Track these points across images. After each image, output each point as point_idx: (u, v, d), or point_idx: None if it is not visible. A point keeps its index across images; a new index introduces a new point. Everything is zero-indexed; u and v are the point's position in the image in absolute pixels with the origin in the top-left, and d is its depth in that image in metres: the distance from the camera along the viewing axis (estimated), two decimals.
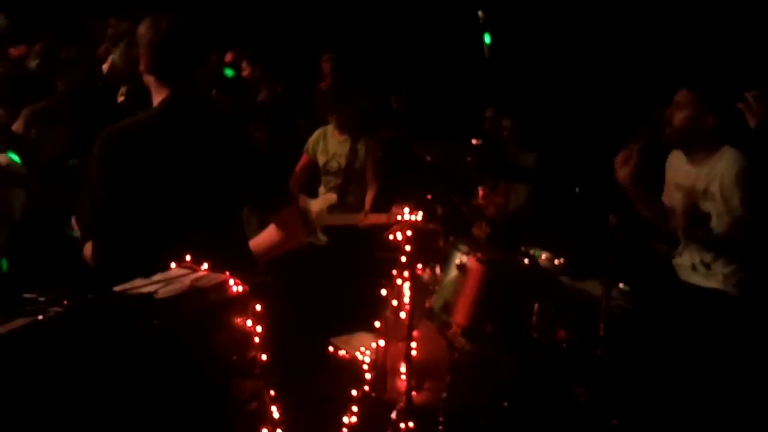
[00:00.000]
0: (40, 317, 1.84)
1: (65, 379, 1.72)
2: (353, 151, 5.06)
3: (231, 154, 2.69)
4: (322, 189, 5.22)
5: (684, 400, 3.28)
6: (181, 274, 2.19)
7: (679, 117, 3.54)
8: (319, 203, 5.14)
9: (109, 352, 1.79)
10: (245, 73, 6.63)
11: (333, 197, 5.10)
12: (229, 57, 6.67)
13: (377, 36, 6.92)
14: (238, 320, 2.15)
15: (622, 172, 3.56)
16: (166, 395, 1.87)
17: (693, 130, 3.53)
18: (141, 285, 2.06)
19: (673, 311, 3.45)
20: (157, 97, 2.65)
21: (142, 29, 2.63)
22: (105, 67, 5.75)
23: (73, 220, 3.45)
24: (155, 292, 2.02)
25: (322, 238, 5.04)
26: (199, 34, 2.70)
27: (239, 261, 2.56)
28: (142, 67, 2.66)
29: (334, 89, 5.25)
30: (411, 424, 3.34)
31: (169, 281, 2.12)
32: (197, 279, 2.17)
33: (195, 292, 2.10)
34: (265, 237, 2.88)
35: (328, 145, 5.15)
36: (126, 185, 2.54)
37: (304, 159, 5.28)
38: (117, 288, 2.01)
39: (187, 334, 1.97)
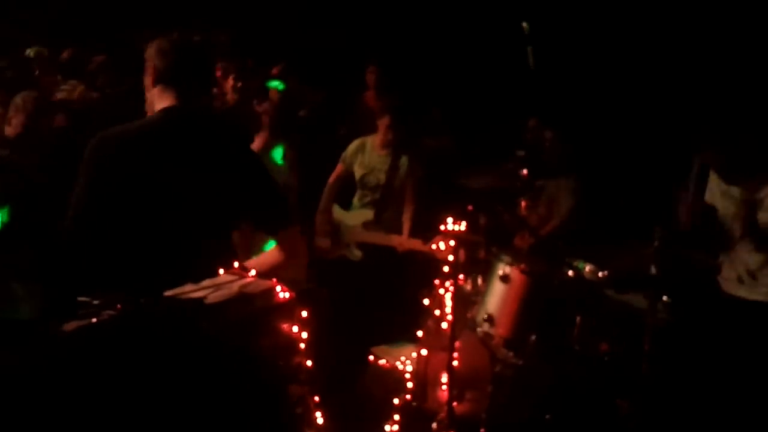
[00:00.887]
0: (94, 320, 1.90)
1: (121, 381, 1.77)
2: (394, 168, 4.97)
3: (232, 170, 2.66)
4: (356, 201, 5.14)
5: (729, 416, 3.24)
6: (229, 280, 2.24)
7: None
8: (354, 218, 5.08)
9: (161, 354, 1.84)
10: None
11: (369, 213, 5.04)
12: (275, 70, 6.73)
13: (421, 46, 6.93)
14: (285, 326, 2.19)
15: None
16: (217, 397, 1.91)
17: (750, 160, 3.58)
18: (191, 290, 2.11)
19: (718, 325, 3.41)
20: (159, 105, 2.67)
21: (150, 48, 2.69)
22: None
23: None
24: (205, 297, 2.07)
25: (357, 253, 4.96)
26: (204, 52, 2.75)
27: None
28: (147, 83, 2.70)
29: (391, 111, 5.15)
30: None
31: (217, 287, 2.17)
32: (245, 285, 2.21)
33: (243, 298, 2.15)
34: (267, 257, 2.82)
35: (367, 158, 5.07)
36: (110, 190, 2.51)
37: (339, 168, 5.17)
38: (168, 293, 2.06)
39: (236, 338, 2.01)
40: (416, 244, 4.60)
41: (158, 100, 2.67)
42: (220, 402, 1.94)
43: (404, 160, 4.96)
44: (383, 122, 5.05)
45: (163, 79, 2.66)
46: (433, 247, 4.21)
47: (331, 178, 5.23)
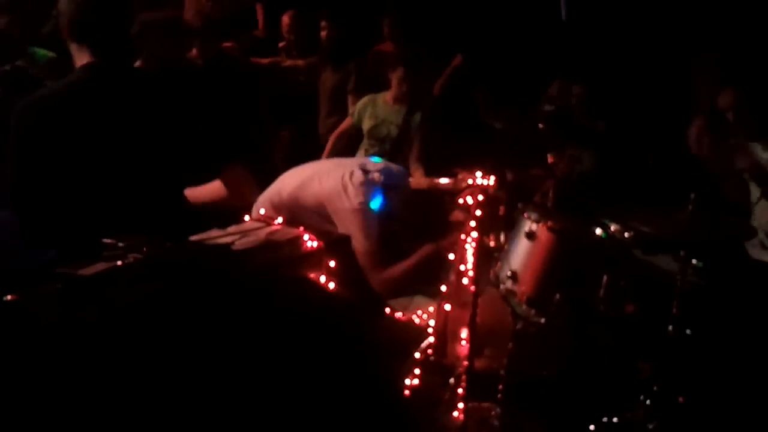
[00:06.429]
0: (119, 263, 1.84)
1: (145, 322, 1.71)
2: (407, 122, 4.91)
3: (161, 122, 2.60)
4: (361, 153, 5.07)
5: (755, 382, 3.19)
6: (256, 227, 2.19)
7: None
8: None
9: (186, 298, 1.78)
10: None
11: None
12: (286, 20, 6.56)
13: None
14: (312, 275, 2.14)
15: (693, 142, 3.56)
16: (241, 344, 1.85)
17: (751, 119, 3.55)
18: (217, 236, 2.06)
19: (746, 290, 3.35)
20: (79, 63, 2.58)
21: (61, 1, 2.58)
22: None
23: None
24: (232, 243, 2.01)
25: None
26: (118, 4, 2.62)
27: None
28: (63, 35, 2.60)
29: (404, 62, 5.04)
30: (469, 390, 3.30)
31: (244, 233, 2.11)
32: (272, 233, 2.16)
33: (270, 245, 2.09)
34: (209, 188, 2.76)
35: (378, 110, 4.99)
36: (42, 159, 2.46)
37: (347, 122, 5.17)
38: (194, 238, 2.00)
39: (262, 286, 1.95)
40: (431, 181, 4.49)
41: (77, 57, 2.58)
42: (247, 347, 1.90)
43: (417, 117, 4.86)
44: (397, 74, 4.94)
45: (75, 34, 2.55)
46: (443, 181, 4.10)
47: (337, 131, 5.18)
